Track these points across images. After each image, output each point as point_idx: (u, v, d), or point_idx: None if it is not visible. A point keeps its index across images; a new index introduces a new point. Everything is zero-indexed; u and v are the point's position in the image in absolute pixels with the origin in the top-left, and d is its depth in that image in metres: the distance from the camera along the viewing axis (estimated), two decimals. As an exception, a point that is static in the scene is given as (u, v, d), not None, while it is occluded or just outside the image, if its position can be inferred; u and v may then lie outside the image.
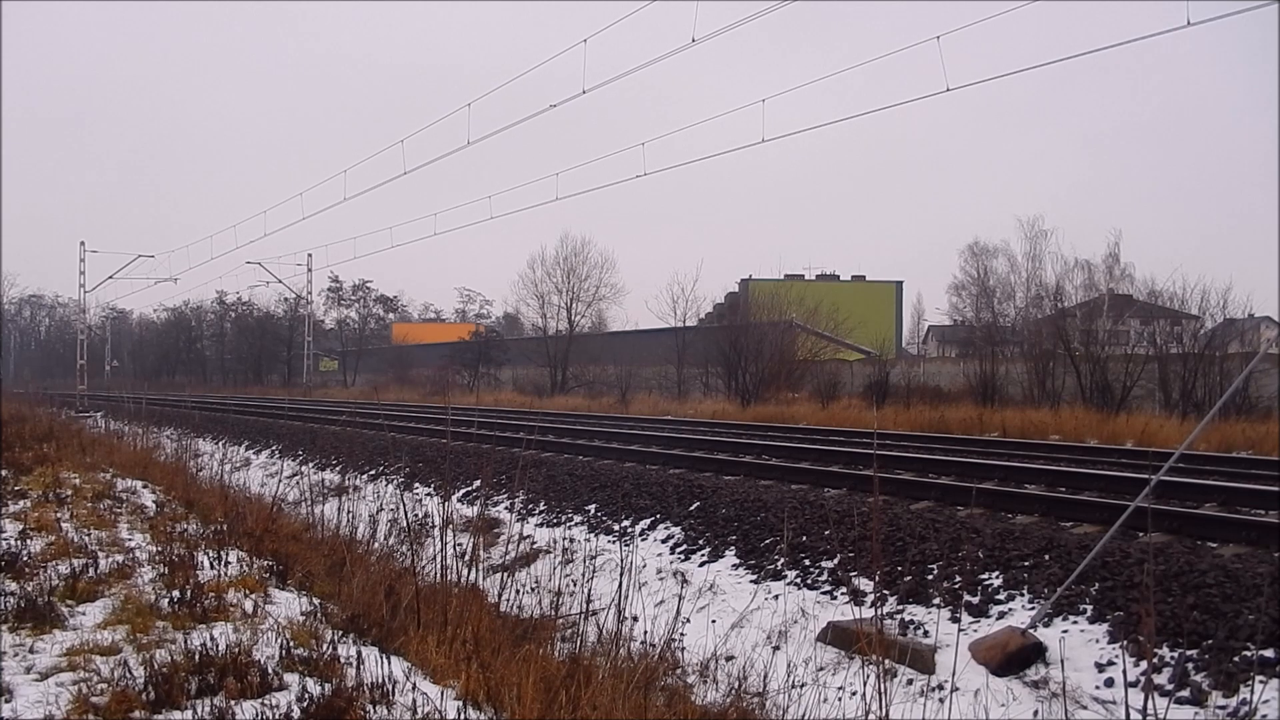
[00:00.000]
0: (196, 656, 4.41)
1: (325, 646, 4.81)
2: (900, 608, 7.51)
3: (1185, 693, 5.61)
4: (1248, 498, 9.75)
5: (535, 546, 10.59)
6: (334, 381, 68.17)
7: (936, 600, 7.45)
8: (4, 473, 11.59)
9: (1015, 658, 6.32)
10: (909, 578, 7.93)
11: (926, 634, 6.98)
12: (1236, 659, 5.73)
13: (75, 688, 4.19)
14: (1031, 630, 6.58)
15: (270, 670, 4.39)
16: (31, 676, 4.42)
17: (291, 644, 4.83)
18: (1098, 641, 6.40)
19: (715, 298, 54.65)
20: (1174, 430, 17.97)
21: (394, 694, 4.14)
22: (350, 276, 72.15)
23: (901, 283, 74.39)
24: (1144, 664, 5.38)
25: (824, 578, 8.42)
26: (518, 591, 6.21)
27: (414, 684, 4.32)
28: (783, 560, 8.91)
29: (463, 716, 3.98)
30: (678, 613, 6.11)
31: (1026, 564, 7.71)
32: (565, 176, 78.21)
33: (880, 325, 51.83)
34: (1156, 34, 10.33)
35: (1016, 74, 35.14)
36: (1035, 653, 6.36)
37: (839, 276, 74.47)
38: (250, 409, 34.91)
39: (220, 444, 22.14)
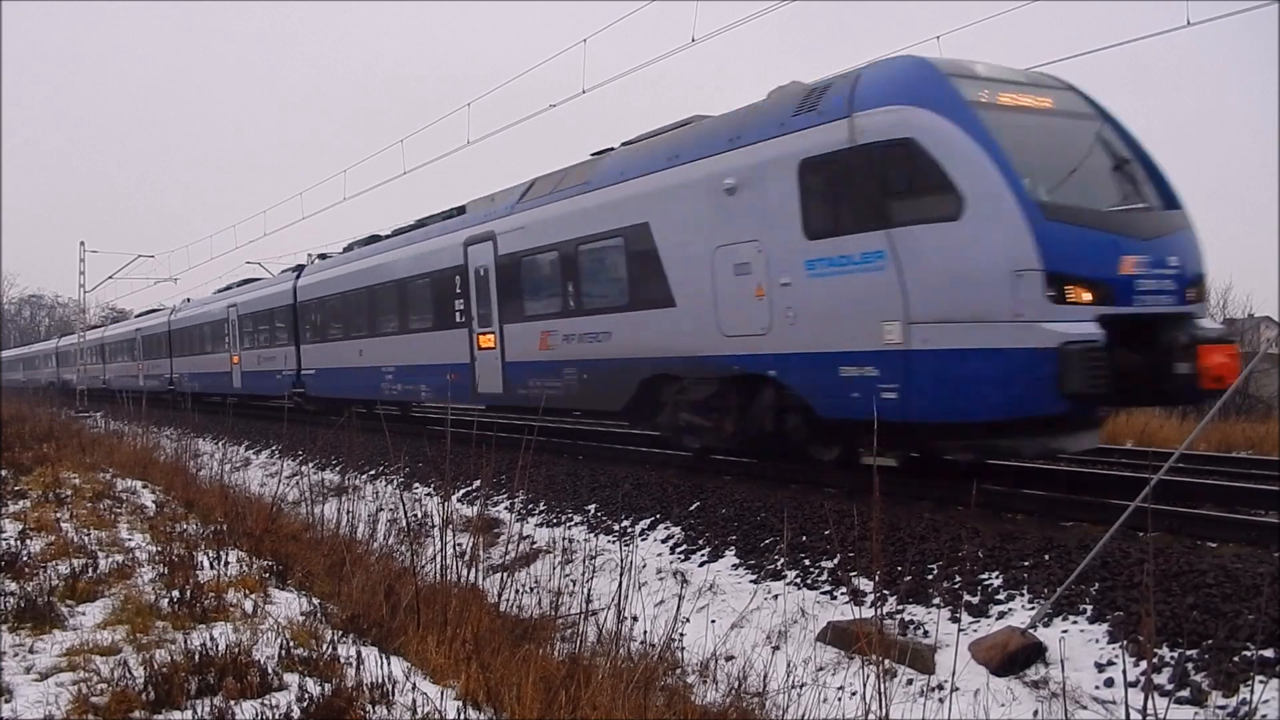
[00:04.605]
0: (196, 656, 4.42)
1: (325, 646, 4.82)
2: (900, 608, 7.51)
3: (1185, 693, 5.61)
4: (1248, 498, 9.74)
5: (535, 546, 10.58)
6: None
7: (936, 600, 7.44)
8: (4, 473, 11.59)
9: (1015, 658, 6.31)
10: (909, 578, 7.92)
11: (926, 634, 6.98)
12: (1236, 659, 5.73)
13: (75, 688, 4.19)
14: (1031, 630, 6.58)
15: (270, 670, 4.39)
16: (31, 676, 4.42)
17: (291, 644, 4.83)
18: (1098, 641, 6.39)
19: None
20: (1174, 430, 17.94)
21: (394, 694, 4.15)
22: (350, 276, 71.96)
23: (901, 283, 74.24)
24: (1144, 664, 5.37)
25: (824, 578, 8.42)
26: (518, 591, 6.21)
27: (414, 684, 4.32)
28: (782, 560, 8.90)
29: (463, 716, 3.98)
30: (677, 613, 6.10)
31: (1026, 564, 7.70)
32: (565, 176, 77.78)
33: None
34: (1156, 34, 10.36)
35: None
36: (1035, 653, 6.36)
37: (839, 276, 74.32)
38: (250, 409, 34.86)
39: (220, 444, 22.13)
